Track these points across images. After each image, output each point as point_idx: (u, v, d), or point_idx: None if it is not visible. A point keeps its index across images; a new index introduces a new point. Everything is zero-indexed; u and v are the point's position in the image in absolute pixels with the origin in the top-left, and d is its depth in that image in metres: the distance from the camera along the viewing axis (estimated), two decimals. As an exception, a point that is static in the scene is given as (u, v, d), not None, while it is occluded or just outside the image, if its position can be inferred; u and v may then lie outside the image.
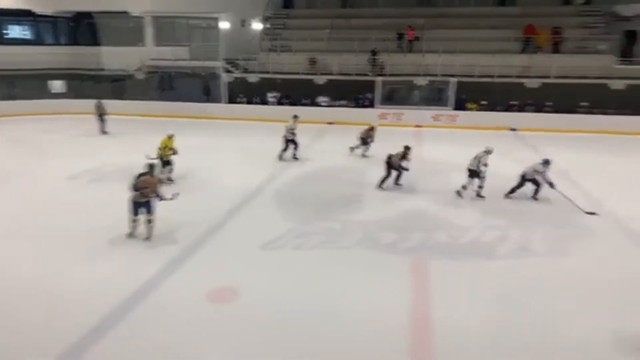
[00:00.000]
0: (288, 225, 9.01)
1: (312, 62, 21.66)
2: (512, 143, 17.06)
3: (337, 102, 21.72)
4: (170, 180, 11.33)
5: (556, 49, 20.27)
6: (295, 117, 14.27)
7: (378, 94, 20.97)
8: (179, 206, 8.61)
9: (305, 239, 8.42)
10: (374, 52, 21.10)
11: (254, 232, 8.68)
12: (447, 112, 20.03)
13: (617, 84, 18.78)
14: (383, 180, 11.41)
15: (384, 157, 11.39)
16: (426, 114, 20.21)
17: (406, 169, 11.37)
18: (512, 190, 10.79)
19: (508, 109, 20.06)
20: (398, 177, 11.50)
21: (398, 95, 21.39)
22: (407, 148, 11.28)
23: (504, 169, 13.34)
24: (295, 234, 8.62)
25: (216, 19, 22.22)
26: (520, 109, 19.90)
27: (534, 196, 10.69)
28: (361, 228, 8.93)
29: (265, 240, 8.26)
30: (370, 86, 21.04)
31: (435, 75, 20.40)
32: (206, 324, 5.91)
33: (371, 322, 5.96)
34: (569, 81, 19.07)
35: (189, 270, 7.28)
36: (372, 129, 14.59)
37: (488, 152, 10.70)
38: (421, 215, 9.76)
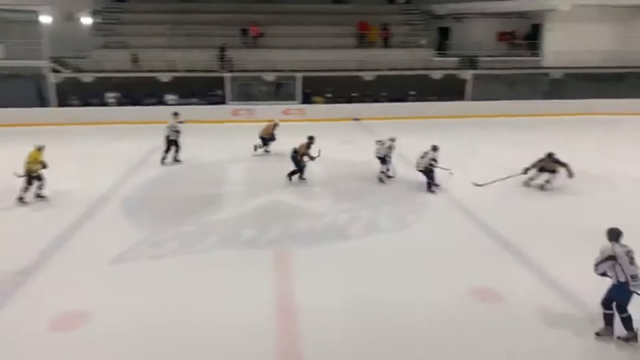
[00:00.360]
0: (140, 235, 8.44)
1: (135, 59, 20.35)
2: (357, 132, 18.45)
3: (186, 100, 20.90)
4: (41, 197, 10.07)
5: (386, 44, 22.41)
6: (176, 114, 13.48)
7: (229, 90, 20.74)
8: (12, 223, 7.47)
9: (160, 247, 7.99)
10: (222, 48, 20.79)
11: (101, 246, 7.94)
12: (296, 106, 20.75)
13: (436, 74, 21.58)
14: (293, 173, 11.56)
15: (246, 155, 11.34)
16: (277, 108, 20.61)
17: (313, 158, 11.56)
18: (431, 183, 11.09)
19: (350, 100, 21.57)
20: (302, 171, 11.62)
21: (249, 91, 21.46)
22: (310, 138, 11.63)
23: (352, 156, 14.41)
24: (149, 243, 8.13)
25: (36, 12, 19.48)
26: (360, 100, 21.56)
27: (431, 188, 11.06)
28: (220, 228, 8.81)
29: (115, 254, 7.62)
30: (220, 82, 20.70)
31: (282, 70, 20.95)
32: (52, 358, 5.25)
33: (239, 320, 5.93)
34: (398, 73, 21.27)
35: (26, 298, 6.37)
36: (275, 125, 14.38)
37: (392, 140, 11.93)
38: (280, 207, 10.01)
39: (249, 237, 8.40)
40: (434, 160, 11.08)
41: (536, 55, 23.32)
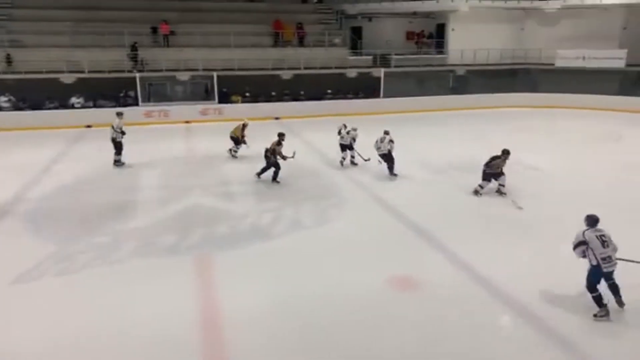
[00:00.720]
0: (47, 249, 7.82)
1: (8, 60, 18.77)
2: (277, 130, 18.42)
3: (95, 103, 19.64)
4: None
5: (301, 42, 22.65)
6: (120, 114, 13.02)
7: (141, 91, 19.76)
8: None
9: (70, 261, 7.47)
10: (134, 47, 19.76)
11: (1, 265, 7.26)
12: (214, 105, 20.31)
13: (351, 73, 22.23)
14: (262, 172, 11.59)
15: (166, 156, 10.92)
16: (193, 109, 20.09)
17: (285, 158, 11.49)
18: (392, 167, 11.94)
19: (269, 99, 21.54)
20: (276, 171, 11.51)
21: (162, 91, 20.63)
22: (280, 135, 11.77)
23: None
24: (57, 258, 7.56)
25: None
26: (280, 98, 21.62)
27: (392, 171, 11.97)
28: (136, 236, 8.42)
29: (17, 273, 6.99)
30: (131, 83, 19.66)
31: (197, 69, 20.40)
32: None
33: (160, 331, 5.72)
34: (314, 72, 21.62)
35: None
36: (244, 126, 13.92)
37: (354, 129, 12.92)
38: (200, 211, 9.77)
39: (168, 244, 8.12)
40: (392, 142, 11.95)
41: (442, 53, 24.85)
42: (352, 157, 13.14)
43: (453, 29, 24.82)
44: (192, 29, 21.04)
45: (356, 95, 22.61)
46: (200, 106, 20.22)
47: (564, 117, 21.01)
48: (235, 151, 13.96)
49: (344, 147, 12.98)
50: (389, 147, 11.89)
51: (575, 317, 5.99)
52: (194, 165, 13.19)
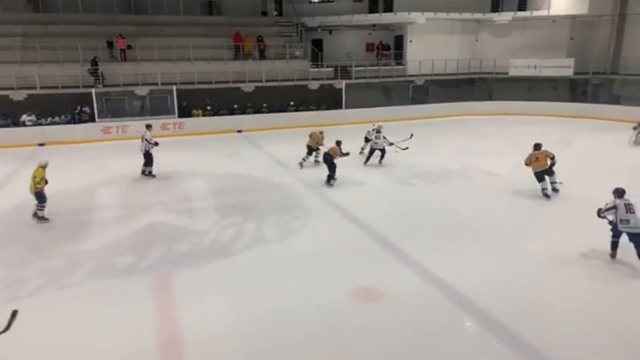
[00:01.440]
0: (-6, 276, 7.44)
1: None
2: (241, 143, 18.35)
3: (48, 120, 18.95)
4: (44, 219, 9.78)
5: (262, 55, 22.67)
6: (149, 126, 13.59)
7: (97, 107, 19.20)
8: None
9: (20, 286, 7.11)
10: (94, 61, 19.24)
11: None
12: (173, 120, 19.97)
13: (313, 85, 22.40)
14: (330, 178, 12.27)
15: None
16: (152, 124, 19.53)
17: (346, 154, 12.71)
18: (367, 159, 14.14)
19: (231, 112, 21.38)
20: (333, 173, 12.30)
21: (120, 106, 20.12)
22: (338, 142, 12.63)
23: (236, 168, 14.30)
24: (5, 283, 7.19)
25: None
26: (242, 111, 21.50)
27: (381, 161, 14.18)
28: (91, 258, 8.11)
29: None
30: (87, 99, 19.09)
31: (156, 84, 20.05)
32: None
33: (117, 357, 5.52)
34: (276, 84, 21.65)
35: None
36: (321, 133, 14.41)
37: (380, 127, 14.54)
38: (160, 229, 9.53)
39: (125, 265, 7.85)
40: (385, 138, 14.06)
41: (400, 64, 25.41)
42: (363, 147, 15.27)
43: (411, 41, 25.45)
44: (150, 42, 20.70)
45: (319, 107, 22.80)
46: (159, 121, 19.81)
47: (519, 123, 21.80)
48: (309, 158, 14.30)
49: (374, 150, 14.28)
50: (384, 141, 14.11)
51: (537, 320, 6.13)
52: (154, 182, 12.89)
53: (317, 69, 23.31)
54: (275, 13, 26.08)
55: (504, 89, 25.58)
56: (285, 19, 25.44)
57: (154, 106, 20.43)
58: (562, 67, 24.25)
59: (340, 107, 22.86)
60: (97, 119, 19.24)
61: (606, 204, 7.72)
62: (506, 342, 5.75)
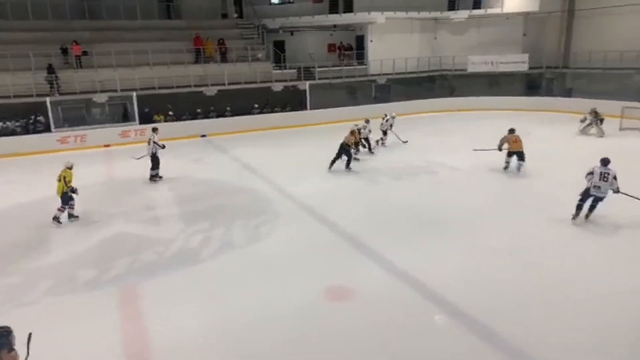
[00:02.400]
0: (-55, 297, 7.05)
1: None
2: (206, 148, 18.09)
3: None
4: (75, 217, 10.24)
5: (224, 58, 22.40)
6: (155, 129, 13.39)
7: (53, 116, 18.48)
8: None
9: (-26, 306, 6.78)
10: (50, 69, 18.50)
11: None
12: (135, 127, 19.47)
13: (277, 86, 22.32)
14: (347, 163, 13.71)
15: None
16: (113, 131, 19.12)
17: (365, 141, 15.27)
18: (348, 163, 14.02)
19: (194, 117, 21.03)
20: (349, 161, 13.69)
21: (78, 115, 19.45)
22: (352, 132, 14.10)
23: (201, 174, 14.09)
24: (-42, 305, 6.84)
25: None
26: (205, 115, 21.19)
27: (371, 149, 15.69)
28: (51, 273, 7.82)
29: None
30: (42, 108, 18.34)
31: (115, 90, 19.49)
32: None
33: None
34: (239, 87, 21.45)
35: None
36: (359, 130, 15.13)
37: (393, 117, 16.99)
38: (124, 239, 9.27)
39: (88, 279, 7.59)
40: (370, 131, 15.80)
41: (362, 64, 25.66)
42: (384, 140, 16.67)
43: (372, 40, 25.72)
44: (107, 48, 20.10)
45: (283, 109, 22.75)
46: (120, 128, 19.31)
47: (478, 118, 22.39)
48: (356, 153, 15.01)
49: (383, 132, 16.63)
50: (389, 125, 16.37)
51: (507, 312, 6.29)
52: (116, 192, 12.53)
53: (280, 71, 23.24)
54: (235, 15, 25.82)
55: (464, 85, 26.25)
56: (245, 21, 25.24)
57: (113, 113, 19.87)
58: (517, 62, 25.07)
59: (305, 108, 22.86)
60: (53, 129, 18.52)
61: (589, 170, 8.86)
62: (477, 335, 5.88)
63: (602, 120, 17.45)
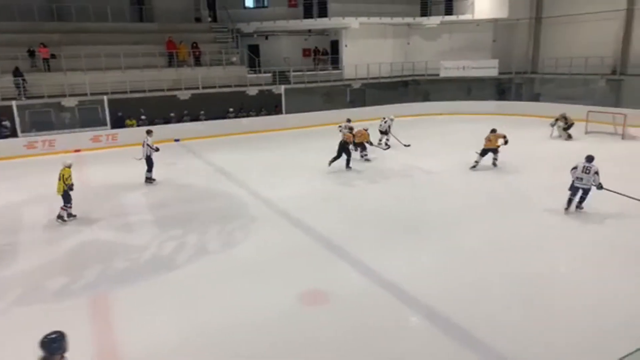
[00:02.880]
0: None
1: None
2: (179, 153, 17.85)
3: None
4: (73, 216, 10.36)
5: (198, 62, 22.22)
6: (150, 132, 13.33)
7: (20, 120, 17.94)
8: None
9: (-63, 320, 6.51)
10: (17, 72, 17.95)
11: None
12: (106, 131, 19.08)
13: (252, 90, 22.25)
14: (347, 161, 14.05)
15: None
16: (83, 136, 18.70)
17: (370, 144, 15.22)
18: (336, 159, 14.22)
19: (168, 121, 20.76)
20: (348, 160, 14.07)
21: (46, 119, 18.95)
22: (350, 129, 15.11)
23: (175, 179, 13.90)
24: None
25: None
26: (179, 119, 20.94)
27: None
28: (18, 283, 7.58)
29: None
30: (7, 112, 17.78)
31: (85, 94, 19.08)
32: None
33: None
34: (214, 91, 21.29)
35: None
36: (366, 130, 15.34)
37: (392, 119, 17.21)
38: (95, 247, 9.08)
39: (57, 288, 7.39)
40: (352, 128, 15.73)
41: (337, 68, 25.84)
42: (387, 140, 17.01)
43: (346, 45, 25.94)
44: (77, 51, 19.66)
45: (258, 113, 22.70)
46: (91, 133, 18.89)
47: (451, 122, 22.81)
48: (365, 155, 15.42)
49: (382, 133, 17.01)
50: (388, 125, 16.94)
51: (484, 314, 6.39)
52: (86, 198, 12.22)
53: (254, 75, 23.18)
54: (209, 19, 25.62)
55: (437, 90, 26.73)
56: (219, 25, 25.08)
57: (84, 118, 19.42)
58: (487, 67, 25.71)
59: (281, 112, 22.86)
60: (19, 134, 17.99)
61: (574, 165, 9.83)
62: (453, 336, 5.95)
63: (571, 125, 18.07)
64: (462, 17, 25.75)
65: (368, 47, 25.87)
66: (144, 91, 19.99)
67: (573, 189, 9.77)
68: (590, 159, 9.72)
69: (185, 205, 11.43)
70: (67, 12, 21.85)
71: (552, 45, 25.51)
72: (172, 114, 20.93)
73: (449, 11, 26.28)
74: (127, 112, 19.96)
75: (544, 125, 18.87)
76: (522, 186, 12.22)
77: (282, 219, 10.37)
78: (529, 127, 20.37)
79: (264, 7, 26.12)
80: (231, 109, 22.01)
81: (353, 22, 24.74)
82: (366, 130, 15.28)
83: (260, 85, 22.75)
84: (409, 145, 16.75)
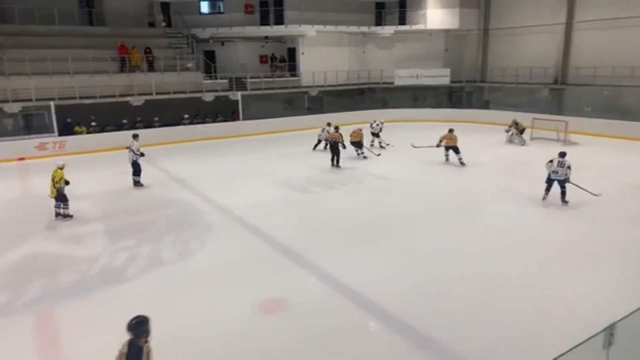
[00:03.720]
0: None
1: None
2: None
3: None
4: (69, 216, 10.58)
5: (151, 67, 21.70)
6: (136, 136, 13.63)
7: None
8: None
9: None
10: None
11: None
12: (53, 139, 18.26)
13: (208, 97, 21.96)
14: (334, 160, 15.21)
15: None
16: (27, 144, 17.81)
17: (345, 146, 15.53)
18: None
19: (120, 128, 20.13)
20: (339, 157, 15.13)
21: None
22: (336, 127, 15.86)
23: (126, 187, 13.50)
24: None
25: None
26: (132, 126, 20.34)
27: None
28: (-44, 300, 7.12)
29: None
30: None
31: (30, 100, 18.19)
32: None
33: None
34: (168, 97, 20.85)
35: None
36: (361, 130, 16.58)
37: (382, 122, 18.55)
38: (40, 259, 8.66)
39: (1, 303, 7.00)
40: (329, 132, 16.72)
41: (295, 75, 25.95)
42: (380, 141, 18.35)
43: (303, 53, 26.10)
44: (21, 54, 18.75)
45: (215, 119, 22.42)
46: (36, 140, 18.02)
47: (404, 129, 23.32)
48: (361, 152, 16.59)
49: (375, 135, 18.23)
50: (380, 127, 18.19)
51: (441, 317, 6.51)
52: (31, 208, 11.66)
53: (210, 81, 22.90)
54: (163, 24, 25.09)
55: (392, 97, 27.35)
56: (174, 30, 24.63)
57: (29, 124, 18.50)
58: (440, 76, 26.58)
59: (238, 119, 22.68)
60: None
61: (549, 159, 11.09)
62: (410, 340, 6.07)
63: (523, 130, 19.00)
64: (415, 27, 26.53)
65: (325, 55, 26.16)
66: (94, 97, 19.28)
67: (549, 181, 11.03)
68: (563, 154, 10.98)
69: (138, 215, 11.12)
70: (10, 14, 20.81)
71: (499, 56, 26.71)
72: (124, 121, 20.31)
73: (402, 21, 27.03)
74: (76, 119, 19.21)
75: (496, 131, 19.69)
76: (477, 189, 12.71)
77: (239, 227, 10.28)
78: (481, 133, 21.20)
79: (220, 13, 25.87)
80: (186, 116, 21.62)
81: (309, 30, 24.96)
82: (360, 130, 16.60)
83: (217, 91, 22.50)
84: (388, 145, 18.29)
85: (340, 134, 15.42)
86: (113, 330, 6.31)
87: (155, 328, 6.28)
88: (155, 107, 20.59)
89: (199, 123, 21.79)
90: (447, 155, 15.46)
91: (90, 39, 21.55)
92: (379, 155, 16.87)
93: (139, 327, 4.30)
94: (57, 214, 10.62)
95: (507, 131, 19.30)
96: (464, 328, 6.26)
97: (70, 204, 10.61)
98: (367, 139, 17.40)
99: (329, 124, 17.34)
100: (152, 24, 24.74)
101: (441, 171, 14.45)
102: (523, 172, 14.27)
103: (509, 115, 20.24)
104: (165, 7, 25.17)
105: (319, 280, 7.73)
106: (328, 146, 16.31)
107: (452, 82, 26.69)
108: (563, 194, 10.93)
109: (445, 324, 6.33)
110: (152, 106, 20.49)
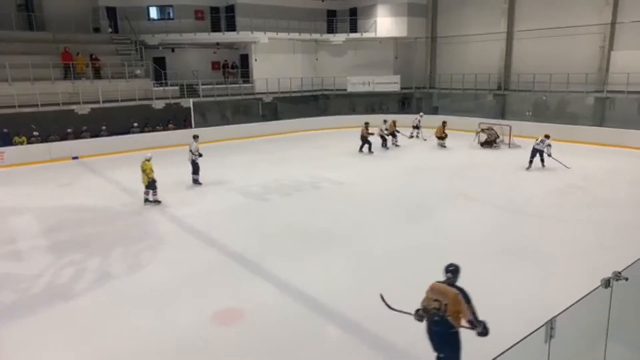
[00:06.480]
0: None
1: None
2: (77, 171, 16.60)
3: None
4: (158, 202, 11.75)
5: (97, 74, 20.92)
6: (196, 137, 14.38)
7: None
8: None
9: None
10: None
11: None
12: (-10, 149, 17.23)
13: (158, 104, 21.42)
14: (369, 148, 18.61)
15: None
16: (-39, 155, 16.71)
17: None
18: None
19: (64, 137, 19.25)
20: (370, 146, 18.48)
21: None
22: (366, 124, 18.82)
23: (73, 200, 12.97)
24: None
25: None
26: (77, 136, 19.51)
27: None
28: None
29: None
30: None
31: (-37, 108, 17.10)
32: None
33: None
34: (116, 104, 20.17)
35: None
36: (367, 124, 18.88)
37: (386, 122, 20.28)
38: (-24, 279, 8.11)
39: None
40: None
41: (248, 82, 25.81)
42: (418, 133, 21.74)
43: (256, 59, 26.01)
44: (-49, 61, 17.60)
45: (165, 127, 21.89)
46: (-29, 152, 16.94)
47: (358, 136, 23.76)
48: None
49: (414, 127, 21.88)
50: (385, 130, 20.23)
51: (399, 319, 6.54)
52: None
53: (161, 88, 22.35)
54: (110, 30, 24.24)
55: (345, 104, 27.74)
56: (121, 36, 23.86)
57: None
58: (390, 83, 27.23)
59: (190, 126, 22.23)
60: None
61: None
62: (368, 344, 6.12)
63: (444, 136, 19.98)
64: (365, 35, 27.08)
65: (278, 62, 26.19)
66: (36, 105, 18.36)
67: (533, 152, 15.04)
68: (547, 136, 15.14)
69: (85, 228, 10.65)
70: (-60, 17, 19.52)
71: (447, 63, 27.71)
72: (69, 130, 19.45)
73: (353, 29, 27.53)
74: (15, 129, 18.21)
75: (450, 136, 20.36)
76: (429, 191, 13.09)
77: (192, 237, 10.08)
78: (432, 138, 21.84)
79: (169, 19, 25.33)
80: (136, 124, 20.99)
81: (262, 37, 24.92)
82: (394, 121, 20.18)
83: (167, 98, 22.00)
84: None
85: (367, 129, 18.72)
86: (64, 350, 6.07)
87: (102, 346, 6.11)
88: (103, 116, 19.89)
89: (149, 131, 21.19)
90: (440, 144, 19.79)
91: (30, 44, 20.55)
92: (425, 140, 21.17)
93: (458, 272, 5.11)
94: (146, 200, 11.97)
95: (477, 133, 20.03)
96: (420, 330, 6.39)
97: (12, 218, 10.03)
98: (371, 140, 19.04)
99: (366, 123, 19.07)
100: (97, 30, 23.86)
101: (389, 177, 14.77)
102: (471, 175, 14.87)
103: (457, 121, 20.96)
104: (111, 13, 24.33)
105: (275, 287, 7.67)
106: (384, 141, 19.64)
107: (402, 88, 27.39)
108: (542, 160, 15.16)
109: (402, 327, 6.43)
110: (100, 115, 19.78)
